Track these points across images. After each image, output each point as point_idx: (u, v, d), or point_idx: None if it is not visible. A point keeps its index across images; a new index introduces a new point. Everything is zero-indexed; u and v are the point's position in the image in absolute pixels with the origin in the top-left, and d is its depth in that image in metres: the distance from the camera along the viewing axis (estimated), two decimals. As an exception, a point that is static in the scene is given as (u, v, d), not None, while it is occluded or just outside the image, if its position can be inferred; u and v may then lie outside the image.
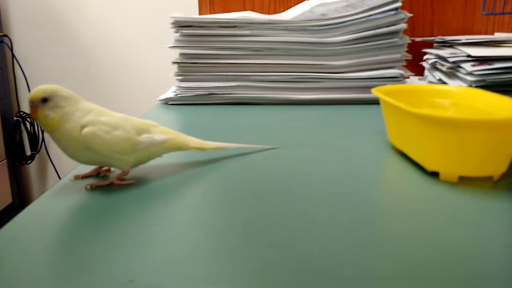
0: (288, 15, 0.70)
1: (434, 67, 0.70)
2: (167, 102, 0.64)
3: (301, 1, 0.77)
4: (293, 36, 0.62)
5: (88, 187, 0.32)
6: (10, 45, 1.32)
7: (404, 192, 0.31)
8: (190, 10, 1.05)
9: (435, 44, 0.74)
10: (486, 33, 0.85)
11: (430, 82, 0.70)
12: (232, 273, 0.21)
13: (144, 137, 0.33)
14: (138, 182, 0.33)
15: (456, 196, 0.30)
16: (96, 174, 0.35)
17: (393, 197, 0.31)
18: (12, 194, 1.32)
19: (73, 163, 0.35)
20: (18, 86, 1.36)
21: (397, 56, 0.62)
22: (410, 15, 0.62)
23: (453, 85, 0.59)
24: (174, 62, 0.64)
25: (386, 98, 0.37)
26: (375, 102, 0.59)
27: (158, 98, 0.65)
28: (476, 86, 0.55)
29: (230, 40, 0.62)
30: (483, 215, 0.27)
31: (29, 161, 1.39)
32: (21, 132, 1.37)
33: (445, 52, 0.65)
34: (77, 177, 0.34)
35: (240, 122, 0.53)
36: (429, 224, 0.26)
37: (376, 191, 0.32)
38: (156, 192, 0.31)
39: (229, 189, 0.32)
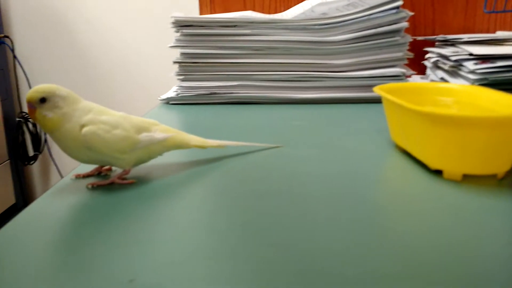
0: (288, 14, 0.70)
1: (436, 65, 0.70)
2: (168, 101, 0.64)
3: (302, 0, 0.77)
4: (294, 35, 0.62)
5: (89, 186, 0.32)
6: (11, 46, 1.32)
7: (407, 190, 0.31)
8: (191, 10, 1.05)
9: (436, 43, 0.74)
10: (488, 32, 0.85)
11: (432, 81, 0.69)
12: (232, 273, 0.21)
13: (144, 136, 0.33)
14: (139, 181, 0.33)
15: (460, 195, 0.30)
16: (97, 173, 0.35)
17: (396, 196, 0.30)
18: (15, 194, 1.32)
19: (76, 163, 0.35)
20: (19, 86, 1.36)
21: (399, 54, 0.62)
22: (412, 13, 0.62)
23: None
24: (175, 62, 0.63)
25: (389, 96, 0.37)
26: (377, 101, 0.59)
27: (159, 98, 0.65)
28: (479, 85, 0.55)
29: (231, 39, 0.62)
30: (487, 214, 0.27)
31: (31, 162, 1.39)
32: (23, 132, 1.37)
33: (447, 51, 0.65)
34: (78, 177, 0.34)
35: (241, 121, 0.53)
36: (432, 223, 0.26)
37: (379, 190, 0.32)
38: (157, 191, 0.31)
39: (230, 189, 0.32)
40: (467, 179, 0.32)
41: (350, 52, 0.62)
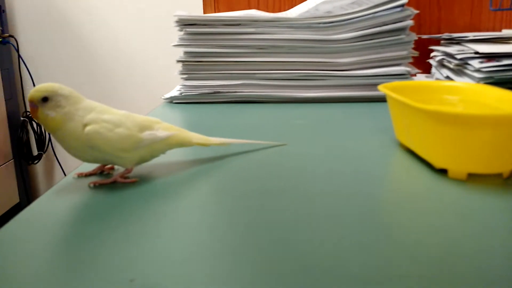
0: (293, 12, 0.69)
1: (441, 64, 0.70)
2: (172, 100, 0.64)
3: (306, -1, 0.76)
4: (298, 33, 0.61)
5: (91, 185, 0.32)
6: (16, 46, 1.32)
7: (411, 189, 0.31)
8: (195, 10, 1.04)
9: (442, 41, 0.74)
10: (493, 30, 0.84)
11: (437, 79, 0.69)
12: (234, 272, 0.21)
13: (146, 134, 0.32)
14: (142, 180, 0.33)
15: (465, 194, 0.29)
16: (100, 172, 0.35)
17: (401, 195, 0.30)
18: (19, 194, 1.33)
19: (80, 162, 0.35)
20: (24, 86, 1.36)
21: (404, 53, 0.61)
22: (417, 11, 0.62)
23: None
24: (178, 61, 0.63)
25: (393, 95, 0.36)
26: (381, 99, 0.58)
27: (163, 97, 0.65)
28: (484, 83, 0.54)
29: (235, 38, 0.62)
30: (492, 213, 0.27)
31: (36, 161, 1.40)
32: (28, 132, 1.38)
33: (452, 49, 0.64)
34: (81, 175, 0.34)
35: (244, 120, 0.52)
36: (437, 223, 0.25)
37: (384, 189, 0.31)
38: (159, 190, 0.31)
39: (233, 187, 0.31)
40: (472, 178, 0.32)
41: (354, 51, 0.61)
